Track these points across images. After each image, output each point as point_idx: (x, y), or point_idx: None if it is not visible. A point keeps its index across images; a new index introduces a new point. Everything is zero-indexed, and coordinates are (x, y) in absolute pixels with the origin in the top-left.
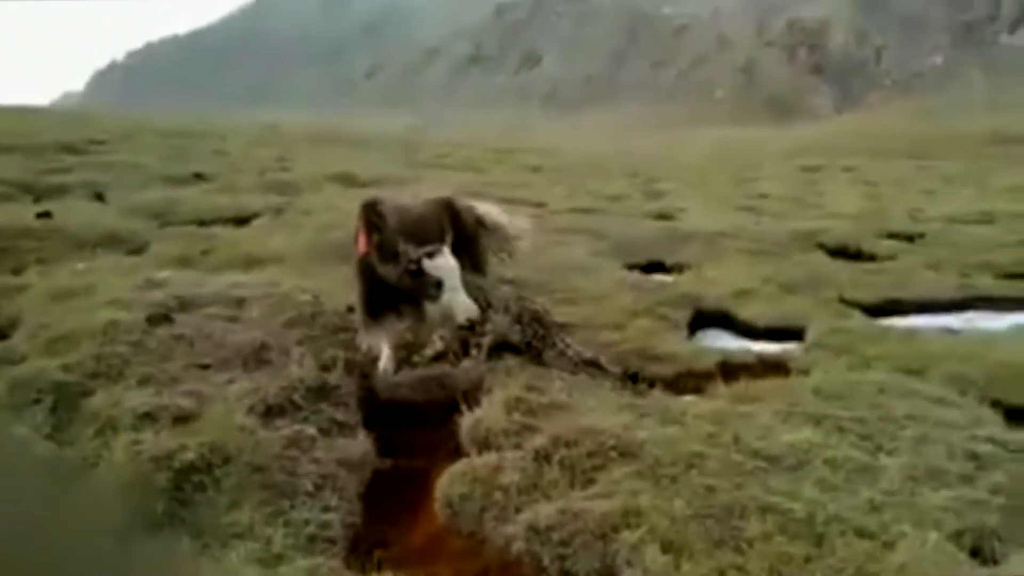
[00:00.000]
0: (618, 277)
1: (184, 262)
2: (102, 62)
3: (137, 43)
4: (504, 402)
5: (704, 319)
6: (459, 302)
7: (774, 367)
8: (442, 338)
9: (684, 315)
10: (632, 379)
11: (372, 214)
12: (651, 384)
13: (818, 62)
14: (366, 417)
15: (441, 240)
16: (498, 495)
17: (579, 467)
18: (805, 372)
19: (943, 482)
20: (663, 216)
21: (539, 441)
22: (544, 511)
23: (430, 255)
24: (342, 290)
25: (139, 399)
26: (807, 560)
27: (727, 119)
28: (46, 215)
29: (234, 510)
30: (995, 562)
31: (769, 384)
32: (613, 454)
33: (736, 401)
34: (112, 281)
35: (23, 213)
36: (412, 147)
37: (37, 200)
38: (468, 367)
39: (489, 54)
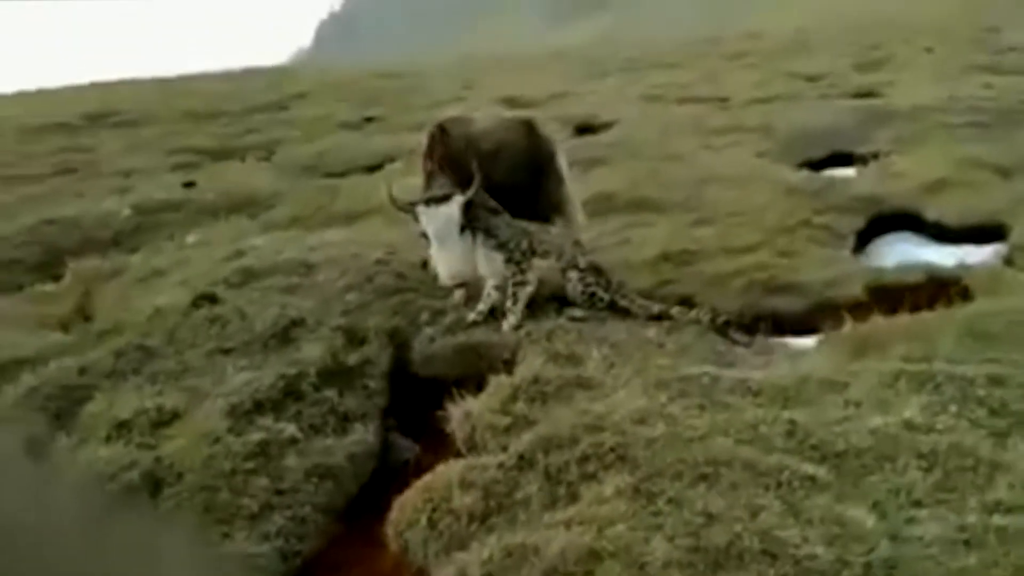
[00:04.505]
0: (778, 182)
1: (294, 222)
2: (322, 13)
3: None
4: (511, 385)
5: (886, 222)
6: (442, 260)
7: (942, 289)
8: (489, 295)
9: (855, 222)
10: (722, 329)
11: (437, 139)
12: (750, 330)
13: None
14: (392, 399)
15: (465, 185)
16: (447, 522)
17: (565, 478)
18: (969, 299)
19: None
20: (866, 94)
21: (528, 440)
22: (490, 547)
23: (429, 202)
24: None
25: (132, 402)
26: None
27: None
28: (191, 184)
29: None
30: None
31: (905, 322)
32: (611, 458)
33: (844, 354)
34: (205, 255)
35: (175, 184)
36: (602, 55)
37: (224, 159)
38: (507, 331)
39: None
